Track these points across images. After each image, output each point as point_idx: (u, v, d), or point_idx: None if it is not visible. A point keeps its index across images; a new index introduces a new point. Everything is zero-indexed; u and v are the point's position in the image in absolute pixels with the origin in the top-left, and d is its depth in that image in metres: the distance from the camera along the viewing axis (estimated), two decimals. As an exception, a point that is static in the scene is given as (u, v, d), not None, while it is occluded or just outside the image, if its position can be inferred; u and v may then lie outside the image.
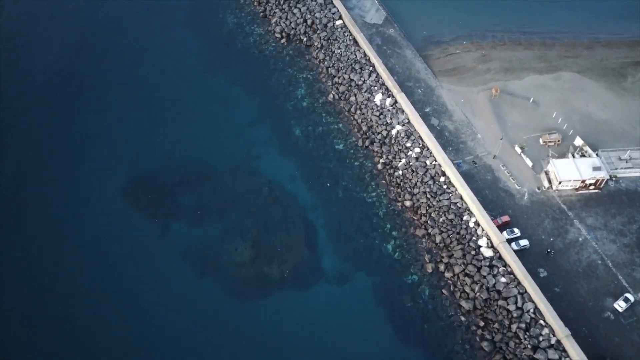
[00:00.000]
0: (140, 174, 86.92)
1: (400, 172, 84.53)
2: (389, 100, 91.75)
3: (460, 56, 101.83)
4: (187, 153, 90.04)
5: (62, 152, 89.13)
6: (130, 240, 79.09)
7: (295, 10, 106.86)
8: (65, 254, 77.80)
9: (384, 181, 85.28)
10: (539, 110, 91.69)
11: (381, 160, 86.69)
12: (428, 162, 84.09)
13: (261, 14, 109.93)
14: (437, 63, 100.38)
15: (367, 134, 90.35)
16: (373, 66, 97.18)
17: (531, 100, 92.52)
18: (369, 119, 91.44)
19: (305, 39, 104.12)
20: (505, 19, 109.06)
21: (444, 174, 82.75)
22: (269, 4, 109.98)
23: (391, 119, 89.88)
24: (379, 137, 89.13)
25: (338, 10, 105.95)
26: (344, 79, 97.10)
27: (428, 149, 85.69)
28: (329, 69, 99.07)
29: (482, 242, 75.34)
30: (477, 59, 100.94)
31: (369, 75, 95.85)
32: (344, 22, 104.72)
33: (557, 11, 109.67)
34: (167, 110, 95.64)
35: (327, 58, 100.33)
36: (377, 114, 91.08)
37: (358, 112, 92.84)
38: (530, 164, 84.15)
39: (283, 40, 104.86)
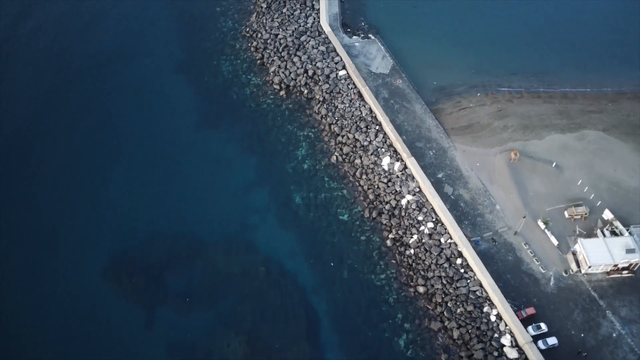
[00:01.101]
0: (124, 251, 78.66)
1: (412, 251, 76.32)
2: (397, 165, 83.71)
3: (474, 111, 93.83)
4: (176, 224, 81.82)
5: (35, 226, 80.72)
6: (111, 332, 70.72)
7: (295, 59, 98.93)
8: (37, 353, 69.62)
9: (393, 261, 77.06)
10: (562, 176, 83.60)
11: (390, 236, 78.49)
12: (443, 240, 75.89)
13: (258, 61, 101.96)
14: (449, 119, 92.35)
15: (374, 203, 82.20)
16: (380, 125, 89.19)
17: (554, 165, 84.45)
18: (376, 186, 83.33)
19: (306, 91, 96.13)
20: (522, 66, 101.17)
21: (460, 255, 74.56)
22: (267, 51, 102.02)
23: (401, 186, 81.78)
24: (387, 207, 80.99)
25: (341, 59, 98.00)
26: (348, 138, 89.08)
27: (442, 224, 77.54)
28: (332, 127, 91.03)
29: (506, 340, 67.07)
30: (492, 114, 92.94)
31: (376, 135, 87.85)
32: (347, 73, 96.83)
33: (577, 58, 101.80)
34: (155, 173, 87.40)
35: (330, 114, 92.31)
36: (385, 180, 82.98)
37: (364, 177, 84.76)
38: (555, 242, 75.95)
39: (282, 93, 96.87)
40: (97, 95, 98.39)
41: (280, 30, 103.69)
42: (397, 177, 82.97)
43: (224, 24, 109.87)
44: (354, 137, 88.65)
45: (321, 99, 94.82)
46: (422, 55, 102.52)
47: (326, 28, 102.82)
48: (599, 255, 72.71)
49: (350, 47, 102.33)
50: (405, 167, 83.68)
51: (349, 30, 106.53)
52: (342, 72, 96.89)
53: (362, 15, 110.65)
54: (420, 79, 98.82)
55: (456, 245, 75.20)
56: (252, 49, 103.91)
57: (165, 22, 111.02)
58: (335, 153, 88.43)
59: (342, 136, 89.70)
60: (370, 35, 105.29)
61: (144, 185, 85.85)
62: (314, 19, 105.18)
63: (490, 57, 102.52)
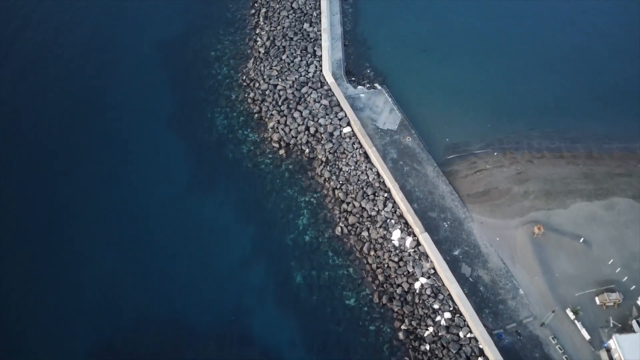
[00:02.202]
0: (106, 342, 70.25)
1: (427, 347, 68.07)
2: (409, 241, 75.72)
3: (491, 173, 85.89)
4: (164, 309, 73.50)
5: (4, 318, 72.64)
6: None
7: (296, 114, 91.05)
8: None
9: (407, 357, 68.78)
10: (591, 254, 75.63)
11: (403, 327, 70.24)
12: (462, 335, 67.75)
13: (256, 115, 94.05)
14: (464, 184, 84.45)
15: (384, 285, 74.06)
16: (389, 192, 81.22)
17: (581, 240, 76.45)
18: (386, 265, 75.23)
19: (307, 151, 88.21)
20: (542, 120, 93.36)
21: (482, 353, 66.43)
22: (265, 103, 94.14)
23: (413, 267, 73.72)
24: (398, 291, 72.84)
25: (346, 115, 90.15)
26: (354, 206, 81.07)
27: (461, 314, 69.44)
28: (336, 192, 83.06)
29: None
30: (511, 178, 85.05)
31: (384, 204, 79.88)
32: (352, 130, 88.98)
33: (601, 111, 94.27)
34: (141, 247, 78.98)
35: (334, 177, 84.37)
36: (396, 259, 74.88)
37: (372, 253, 76.69)
38: (587, 336, 67.82)
39: (281, 152, 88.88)
40: (77, 152, 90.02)
41: (280, 80, 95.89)
42: (409, 255, 74.91)
43: (218, 70, 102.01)
44: (361, 205, 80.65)
45: (324, 159, 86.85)
46: (433, 107, 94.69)
47: (329, 79, 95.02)
48: (637, 354, 64.80)
49: (355, 99, 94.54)
50: (418, 243, 75.66)
51: (353, 79, 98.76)
52: (346, 130, 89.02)
53: (368, 60, 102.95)
54: (431, 135, 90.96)
55: (477, 341, 67.04)
56: (249, 100, 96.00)
57: (155, 67, 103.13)
58: (340, 223, 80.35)
59: (348, 203, 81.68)
60: (376, 85, 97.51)
61: (128, 262, 77.47)
62: (316, 67, 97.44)
63: (506, 110, 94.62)
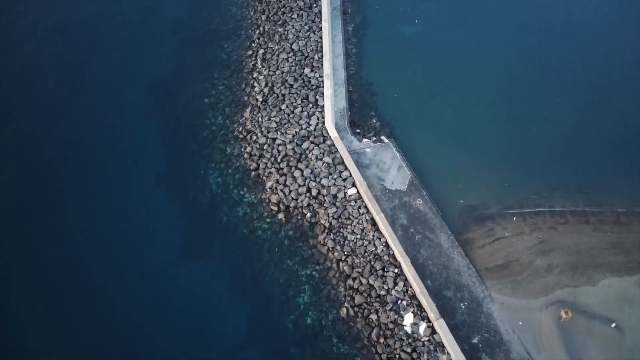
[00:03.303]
0: None
1: None
2: (423, 327, 67.99)
3: (510, 243, 78.29)
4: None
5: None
6: None
7: (297, 173, 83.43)
8: None
9: None
10: (625, 342, 67.97)
11: None
12: None
13: (253, 172, 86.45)
14: (481, 255, 76.82)
15: (395, 380, 66.45)
16: (399, 267, 73.56)
17: (613, 326, 68.90)
18: (398, 356, 67.25)
19: (309, 215, 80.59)
20: (564, 178, 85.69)
21: None
22: (263, 160, 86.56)
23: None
24: (412, 387, 65.24)
25: (351, 175, 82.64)
26: (360, 283, 73.37)
27: (482, 420, 61.86)
28: (341, 264, 75.40)
29: None
30: (533, 248, 77.45)
31: (395, 282, 72.18)
32: (358, 192, 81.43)
33: (628, 166, 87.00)
34: (119, 328, 71.22)
35: (338, 247, 76.71)
36: (409, 349, 67.07)
37: (382, 341, 68.83)
38: None
39: (280, 215, 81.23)
40: (56, 215, 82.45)
41: (279, 133, 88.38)
42: (424, 345, 67.13)
43: (213, 120, 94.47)
44: (368, 282, 72.92)
45: (327, 225, 79.21)
46: (445, 163, 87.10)
47: (332, 132, 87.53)
48: None
49: (360, 155, 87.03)
50: (434, 331, 67.92)
51: (358, 131, 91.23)
52: (351, 191, 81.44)
53: (373, 108, 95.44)
54: (444, 196, 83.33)
55: None
56: (246, 155, 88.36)
57: (144, 115, 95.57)
58: (346, 303, 72.56)
59: (354, 279, 73.96)
60: (383, 138, 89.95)
61: (106, 345, 69.72)
62: (318, 119, 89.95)
63: (525, 165, 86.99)
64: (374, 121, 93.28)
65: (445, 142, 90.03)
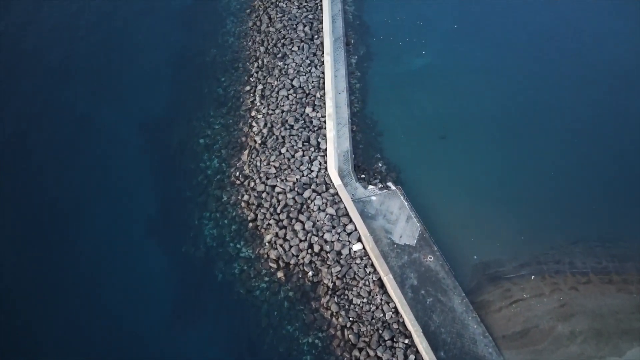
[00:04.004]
0: None
1: None
2: (436, 409, 62.24)
3: (529, 306, 72.35)
4: None
5: None
6: None
7: (297, 226, 77.44)
8: None
9: None
10: None
11: None
12: None
13: (250, 223, 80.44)
14: (498, 320, 70.84)
15: None
16: (410, 337, 67.61)
17: (645, 405, 63.37)
18: None
19: (310, 273, 74.66)
20: (584, 231, 79.64)
21: None
22: (262, 209, 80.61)
23: None
24: None
25: (356, 229, 76.75)
26: (367, 354, 67.28)
27: None
28: (346, 332, 69.40)
29: None
30: (554, 312, 71.46)
31: (405, 355, 66.13)
32: (364, 248, 75.52)
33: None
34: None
35: (343, 312, 70.70)
36: None
37: (391, 422, 63.05)
38: None
39: (280, 274, 75.22)
40: (38, 269, 76.47)
41: (278, 180, 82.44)
42: None
43: (208, 163, 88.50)
44: (376, 354, 66.85)
45: (330, 285, 73.22)
46: (457, 213, 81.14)
47: (335, 180, 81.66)
48: None
49: (365, 204, 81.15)
50: (447, 413, 62.11)
51: (363, 176, 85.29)
52: (356, 247, 75.52)
53: (379, 150, 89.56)
54: (456, 251, 77.35)
55: None
56: (243, 204, 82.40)
57: (135, 157, 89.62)
58: (351, 378, 66.78)
59: (360, 350, 67.90)
60: (389, 184, 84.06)
61: None
62: (320, 163, 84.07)
63: (542, 216, 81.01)
64: (380, 165, 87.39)
65: (456, 188, 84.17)
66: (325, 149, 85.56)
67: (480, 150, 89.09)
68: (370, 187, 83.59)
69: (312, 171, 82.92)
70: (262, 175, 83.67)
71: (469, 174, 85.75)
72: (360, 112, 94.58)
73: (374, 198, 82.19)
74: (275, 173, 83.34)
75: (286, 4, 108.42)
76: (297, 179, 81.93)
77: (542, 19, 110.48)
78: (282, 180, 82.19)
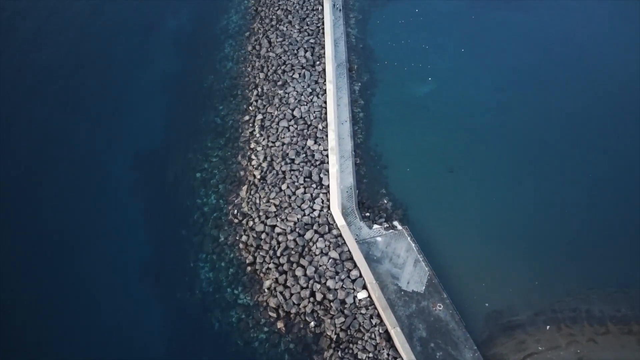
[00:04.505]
0: None
1: None
2: None
3: (544, 359, 68.21)
4: None
5: None
6: None
7: (299, 272, 73.16)
8: None
9: None
10: None
11: None
12: None
13: (249, 266, 76.17)
14: (512, 376, 66.83)
15: None
16: (419, 397, 63.62)
17: None
18: None
19: (312, 323, 70.44)
20: (602, 276, 75.38)
21: None
22: (260, 252, 76.36)
23: None
24: None
25: (361, 275, 72.51)
26: (374, 415, 63.37)
27: None
28: (351, 390, 65.37)
29: None
30: (571, 367, 67.66)
31: (414, 417, 62.23)
32: (369, 296, 71.31)
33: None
34: None
35: (347, 367, 66.70)
36: None
37: None
38: None
39: (280, 324, 70.94)
40: (26, 328, 72.27)
41: (279, 220, 78.21)
42: None
43: (205, 199, 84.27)
44: (382, 415, 62.98)
45: (334, 337, 69.00)
46: (467, 256, 76.75)
47: (339, 220, 77.41)
48: None
49: (370, 245, 76.94)
50: None
51: (367, 214, 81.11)
52: (361, 295, 71.29)
53: (384, 185, 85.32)
54: (466, 298, 73.04)
55: None
56: (241, 245, 78.12)
57: (128, 193, 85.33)
58: None
59: (365, 410, 63.95)
60: (395, 224, 79.82)
61: None
62: (323, 201, 79.81)
63: (557, 258, 76.87)
64: (385, 201, 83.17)
65: (466, 228, 79.91)
66: (328, 186, 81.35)
67: (491, 185, 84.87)
68: (376, 226, 79.33)
69: (314, 210, 78.69)
70: (261, 213, 79.45)
71: (478, 212, 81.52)
72: (364, 144, 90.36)
73: (379, 239, 77.96)
74: (275, 212, 79.10)
75: (287, 27, 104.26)
76: (298, 219, 77.69)
77: (551, 42, 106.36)
78: (282, 220, 77.96)
